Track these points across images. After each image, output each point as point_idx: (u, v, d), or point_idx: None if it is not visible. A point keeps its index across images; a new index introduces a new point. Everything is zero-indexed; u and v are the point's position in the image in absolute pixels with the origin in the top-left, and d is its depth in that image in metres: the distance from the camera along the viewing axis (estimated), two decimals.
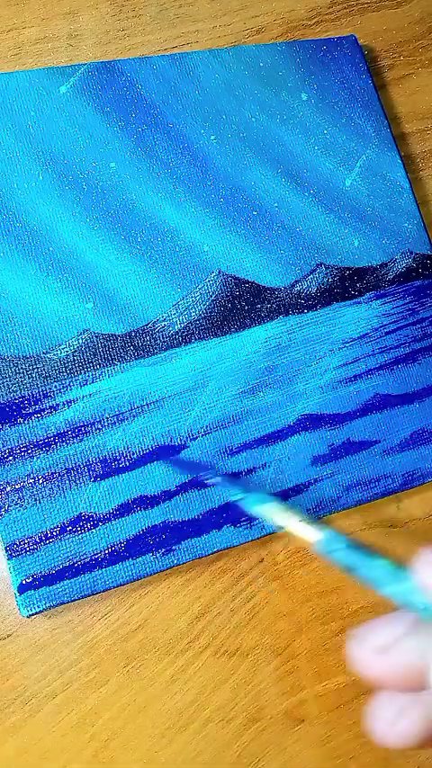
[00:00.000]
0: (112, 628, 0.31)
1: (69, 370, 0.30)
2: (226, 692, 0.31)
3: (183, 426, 0.31)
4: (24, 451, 0.29)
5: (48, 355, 0.30)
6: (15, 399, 0.30)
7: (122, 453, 0.30)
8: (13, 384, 0.30)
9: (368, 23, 0.40)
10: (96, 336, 0.31)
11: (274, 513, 0.21)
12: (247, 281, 0.33)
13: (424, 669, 0.15)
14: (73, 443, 0.30)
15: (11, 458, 0.29)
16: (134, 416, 0.31)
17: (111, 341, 0.31)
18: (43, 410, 0.30)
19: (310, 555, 0.33)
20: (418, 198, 0.38)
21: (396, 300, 0.35)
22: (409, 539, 0.34)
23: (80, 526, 0.29)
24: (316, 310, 0.34)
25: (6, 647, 0.30)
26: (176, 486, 0.30)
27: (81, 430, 0.30)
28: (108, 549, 0.29)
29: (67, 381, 0.30)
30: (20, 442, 0.29)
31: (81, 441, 0.30)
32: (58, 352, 0.31)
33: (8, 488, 0.29)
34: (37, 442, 0.29)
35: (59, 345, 0.31)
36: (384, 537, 0.34)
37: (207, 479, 0.28)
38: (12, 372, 0.30)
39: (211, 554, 0.30)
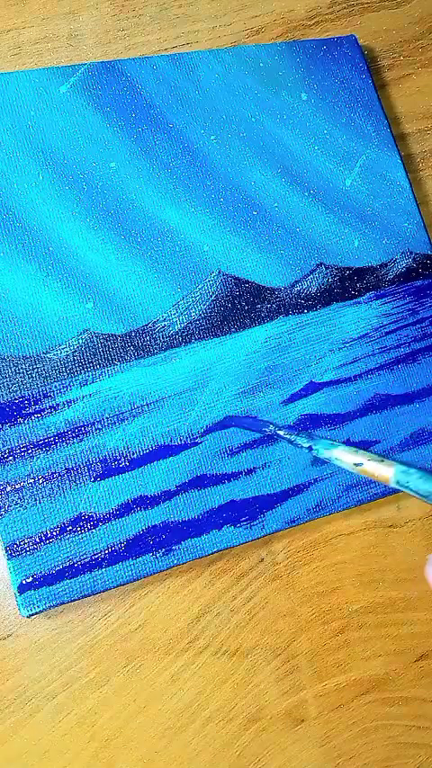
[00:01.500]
0: (112, 628, 0.31)
1: (69, 370, 0.30)
2: (226, 692, 0.31)
3: (183, 426, 0.31)
4: (24, 451, 0.29)
5: (48, 355, 0.30)
6: (15, 399, 0.30)
7: (122, 453, 0.30)
8: (13, 384, 0.30)
9: (368, 23, 0.40)
10: (96, 336, 0.31)
11: (344, 455, 0.21)
12: (247, 281, 0.33)
13: None
14: (73, 443, 0.30)
15: (11, 458, 0.29)
16: (134, 416, 0.31)
17: (111, 341, 0.31)
18: (43, 410, 0.30)
19: (310, 555, 0.33)
20: (418, 198, 0.38)
21: (396, 300, 0.35)
22: (409, 539, 0.34)
23: (80, 526, 0.29)
24: (316, 310, 0.34)
25: (6, 647, 0.30)
26: (176, 486, 0.30)
27: (81, 430, 0.30)
28: (108, 549, 0.29)
29: (67, 381, 0.30)
30: (20, 442, 0.29)
31: (81, 441, 0.30)
32: (58, 352, 0.31)
33: (8, 488, 0.29)
34: (37, 442, 0.29)
35: (59, 345, 0.31)
36: (384, 537, 0.34)
37: (271, 432, 0.28)
38: (12, 372, 0.30)
39: (211, 554, 0.30)
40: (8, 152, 0.32)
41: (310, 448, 0.24)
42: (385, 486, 0.33)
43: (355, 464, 0.21)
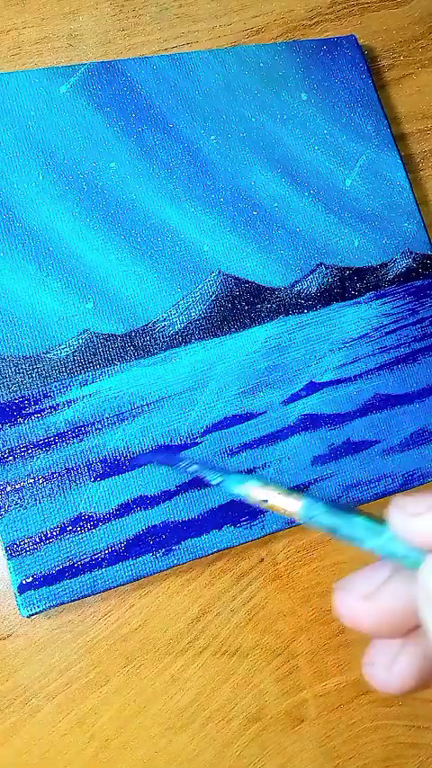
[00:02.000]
0: (112, 628, 0.31)
1: (69, 370, 0.30)
2: (226, 692, 0.31)
3: (183, 426, 0.31)
4: (24, 451, 0.29)
5: (48, 355, 0.30)
6: (15, 399, 0.30)
7: (122, 453, 0.30)
8: (13, 384, 0.30)
9: (368, 23, 0.40)
10: (96, 336, 0.31)
11: (253, 491, 0.21)
12: (247, 281, 0.33)
13: (412, 612, 0.16)
14: (73, 443, 0.30)
15: (11, 458, 0.29)
16: (134, 416, 0.31)
17: (111, 341, 0.31)
18: (43, 410, 0.30)
19: (310, 555, 0.33)
20: (418, 198, 0.38)
21: (396, 300, 0.35)
22: None
23: (80, 526, 0.29)
24: (316, 310, 0.34)
25: (6, 647, 0.30)
26: (176, 486, 0.30)
27: (81, 430, 0.30)
28: (108, 549, 0.29)
29: (67, 381, 0.30)
30: (20, 442, 0.29)
31: (81, 441, 0.30)
32: (58, 352, 0.31)
33: (8, 488, 0.29)
34: (37, 442, 0.29)
35: (59, 345, 0.31)
36: None
37: (185, 468, 0.28)
38: (12, 372, 0.30)
39: (211, 554, 0.30)
40: (8, 152, 0.31)
41: (219, 484, 0.24)
42: (385, 486, 0.33)
43: (262, 501, 0.21)
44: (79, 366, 0.31)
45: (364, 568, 0.17)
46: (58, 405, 0.30)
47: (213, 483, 0.24)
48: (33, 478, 0.29)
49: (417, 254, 0.36)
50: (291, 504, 0.20)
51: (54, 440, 0.30)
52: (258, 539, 0.31)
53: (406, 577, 0.16)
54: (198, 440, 0.31)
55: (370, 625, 0.16)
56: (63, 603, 0.28)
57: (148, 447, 0.31)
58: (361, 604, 0.17)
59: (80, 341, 0.31)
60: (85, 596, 0.29)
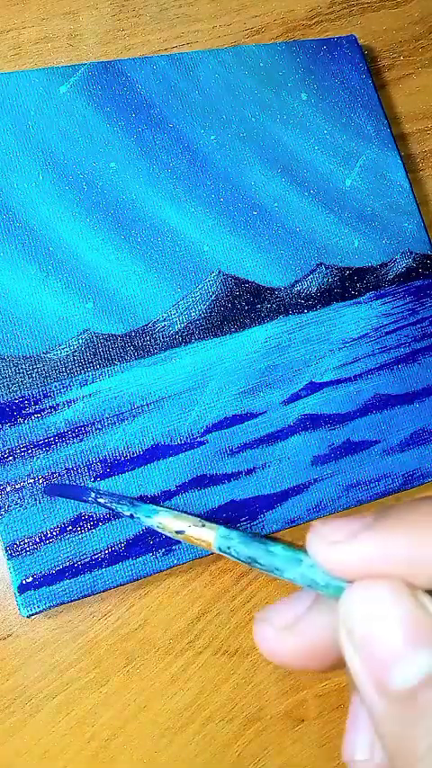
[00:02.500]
0: (112, 628, 0.31)
1: (69, 370, 0.30)
2: (226, 692, 0.31)
3: (183, 426, 0.31)
4: (24, 451, 0.29)
5: (48, 355, 0.30)
6: (15, 399, 0.30)
7: (122, 453, 0.30)
8: (13, 384, 0.30)
9: (368, 23, 0.40)
10: (96, 336, 0.31)
11: (166, 521, 0.21)
12: (247, 281, 0.33)
13: (334, 643, 0.15)
14: (73, 443, 0.30)
15: (11, 458, 0.29)
16: (134, 416, 0.31)
17: (111, 341, 0.31)
18: (43, 410, 0.30)
19: None
20: (418, 198, 0.38)
21: (396, 300, 0.35)
22: None
23: (80, 526, 0.29)
24: (316, 310, 0.34)
25: (6, 647, 0.30)
26: (176, 487, 0.30)
27: (81, 430, 0.30)
28: (108, 549, 0.29)
29: (67, 381, 0.30)
30: (20, 442, 0.29)
31: (81, 441, 0.30)
32: (59, 352, 0.31)
33: (8, 488, 0.29)
34: (37, 442, 0.29)
35: (59, 345, 0.31)
36: None
37: (94, 499, 0.27)
38: (12, 372, 0.30)
39: (211, 554, 0.30)
40: (8, 152, 0.31)
41: (131, 515, 0.23)
42: (385, 486, 0.33)
43: (177, 531, 0.21)
44: (79, 366, 0.31)
45: (285, 598, 0.16)
46: (58, 405, 0.30)
47: (125, 514, 0.23)
48: (33, 478, 0.29)
49: (417, 254, 0.36)
50: (205, 535, 0.19)
51: (54, 440, 0.30)
52: None
53: (327, 607, 0.15)
54: (198, 440, 0.31)
55: (290, 658, 0.16)
56: (63, 603, 0.28)
57: (148, 447, 0.31)
58: (280, 636, 0.16)
59: (80, 341, 0.31)
60: (85, 596, 0.29)
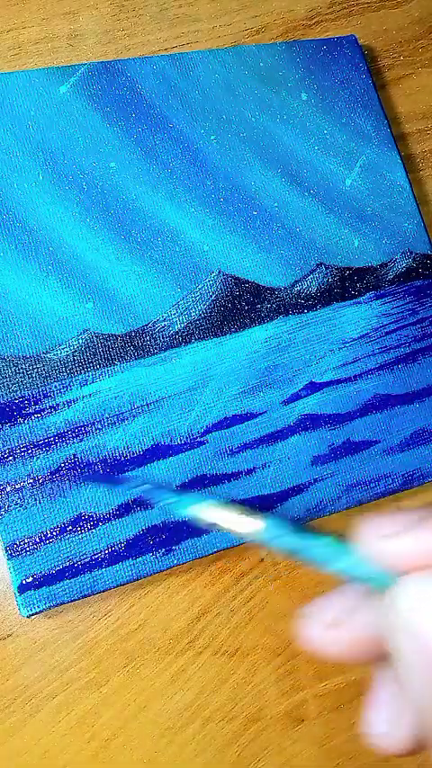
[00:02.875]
0: (112, 628, 0.31)
1: (69, 370, 0.30)
2: (226, 692, 0.31)
3: (183, 426, 0.31)
4: (24, 451, 0.29)
5: (48, 355, 0.30)
6: (15, 399, 0.30)
7: (122, 453, 0.30)
8: (13, 384, 0.30)
9: (368, 23, 0.40)
10: (96, 336, 0.31)
11: (209, 512, 0.21)
12: (247, 281, 0.33)
13: (379, 639, 0.15)
14: (73, 443, 0.30)
15: (11, 458, 0.29)
16: (134, 416, 0.31)
17: (111, 341, 0.31)
18: (43, 410, 0.30)
19: None
20: (418, 198, 0.38)
21: (396, 300, 0.35)
22: None
23: (80, 526, 0.29)
24: (316, 310, 0.34)
25: (6, 647, 0.30)
26: (176, 487, 0.30)
27: (81, 430, 0.30)
28: (108, 549, 0.29)
29: (67, 381, 0.30)
30: (20, 442, 0.29)
31: (81, 441, 0.30)
32: (58, 352, 0.31)
33: (8, 488, 0.29)
34: (37, 442, 0.29)
35: (59, 345, 0.31)
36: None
37: (133, 488, 0.27)
38: (12, 372, 0.30)
39: (211, 554, 0.30)
40: (8, 152, 0.31)
41: (171, 504, 0.23)
42: (385, 486, 0.33)
43: (219, 522, 0.21)
44: (79, 366, 0.31)
45: (330, 594, 0.17)
46: (58, 405, 0.30)
47: (167, 504, 0.23)
48: (33, 478, 0.29)
49: (417, 254, 0.36)
50: (250, 525, 0.19)
51: (54, 440, 0.30)
52: None
53: (374, 602, 0.16)
54: (198, 440, 0.31)
55: (338, 655, 0.16)
56: (63, 603, 0.28)
57: (148, 447, 0.31)
58: (327, 633, 0.16)
59: (80, 341, 0.31)
60: (85, 596, 0.29)
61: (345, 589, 0.17)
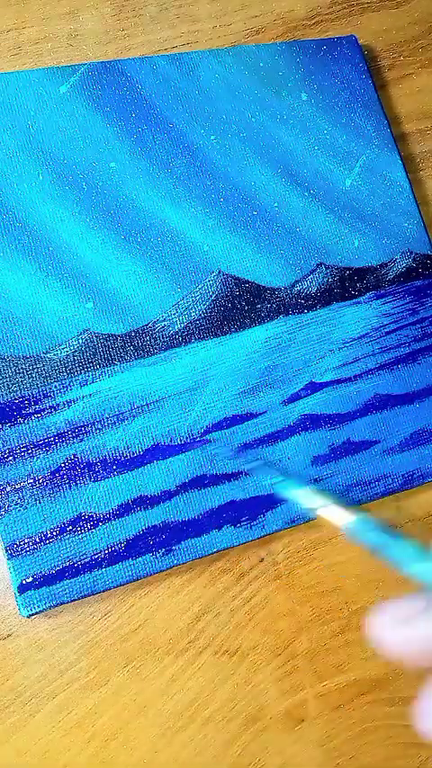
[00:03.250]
0: (111, 628, 0.31)
1: (69, 370, 0.30)
2: (226, 692, 0.31)
3: (183, 426, 0.31)
4: (24, 451, 0.29)
5: (48, 355, 0.30)
6: (15, 399, 0.30)
7: (122, 453, 0.30)
8: (13, 384, 0.30)
9: (368, 23, 0.40)
10: (96, 336, 0.31)
11: (308, 498, 0.22)
12: (247, 281, 0.33)
13: None
14: (73, 443, 0.30)
15: (11, 458, 0.29)
16: (134, 416, 0.31)
17: (111, 341, 0.31)
18: (43, 410, 0.30)
19: (310, 555, 0.33)
20: (418, 198, 0.38)
21: (396, 300, 0.35)
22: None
23: (80, 526, 0.29)
24: (316, 310, 0.34)
25: (6, 647, 0.30)
26: (176, 487, 0.30)
27: (81, 430, 0.30)
28: (108, 549, 0.29)
29: (67, 381, 0.30)
30: (20, 442, 0.29)
31: (81, 441, 0.30)
32: (58, 352, 0.31)
33: (8, 488, 0.29)
34: (37, 442, 0.29)
35: (59, 345, 0.31)
36: None
37: (245, 463, 0.29)
38: (12, 372, 0.30)
39: (211, 554, 0.30)
40: (8, 152, 0.31)
41: (274, 485, 0.24)
42: (385, 486, 0.33)
43: (313, 508, 0.22)
44: (79, 366, 0.31)
45: (404, 596, 0.17)
46: (58, 405, 0.30)
47: (271, 483, 0.25)
48: (33, 478, 0.29)
49: (417, 254, 0.36)
50: (341, 516, 0.20)
51: (54, 440, 0.30)
52: (258, 539, 0.31)
53: None
54: (198, 439, 0.31)
55: (401, 653, 0.16)
56: (63, 603, 0.28)
57: (148, 447, 0.31)
58: (395, 631, 0.16)
59: (80, 341, 0.31)
60: (85, 596, 0.29)
61: (419, 593, 0.17)
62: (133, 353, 0.31)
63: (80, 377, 0.31)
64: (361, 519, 0.19)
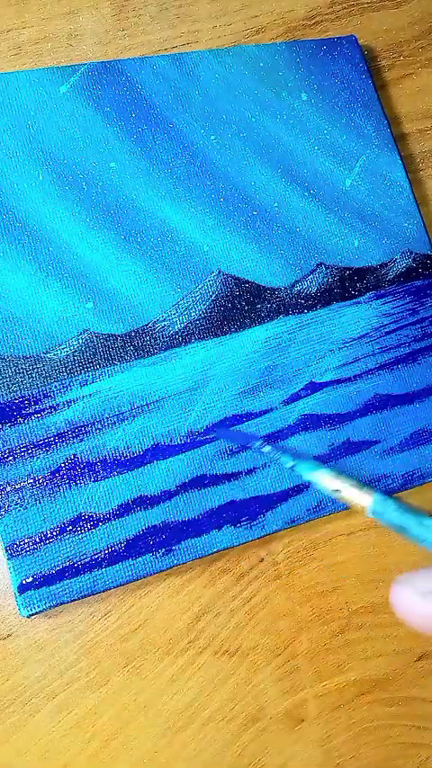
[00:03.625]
0: (111, 628, 0.31)
1: (69, 370, 0.30)
2: (226, 692, 0.31)
3: (183, 426, 0.31)
4: (24, 451, 0.29)
5: (48, 355, 0.30)
6: (15, 399, 0.30)
7: (122, 453, 0.30)
8: (13, 384, 0.30)
9: (368, 23, 0.40)
10: (96, 336, 0.31)
11: (326, 479, 0.22)
12: (247, 281, 0.33)
13: None
14: (73, 443, 0.30)
15: (11, 458, 0.29)
16: (134, 416, 0.31)
17: (111, 341, 0.31)
18: (43, 410, 0.30)
19: (310, 555, 0.33)
20: (418, 198, 0.38)
21: (396, 300, 0.35)
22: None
23: (80, 526, 0.29)
24: (316, 310, 0.34)
25: (6, 647, 0.30)
26: (176, 486, 0.30)
27: (81, 430, 0.30)
28: (108, 549, 0.29)
29: (67, 381, 0.30)
30: (20, 442, 0.29)
31: (81, 441, 0.30)
32: (58, 352, 0.31)
33: (8, 488, 0.29)
34: (37, 442, 0.29)
35: (59, 345, 0.31)
36: (384, 537, 0.34)
37: (258, 448, 0.29)
38: (12, 372, 0.30)
39: (211, 554, 0.30)
40: (8, 152, 0.32)
41: (292, 468, 0.24)
42: (385, 486, 0.33)
43: (334, 490, 0.22)
44: (79, 366, 0.31)
45: (429, 567, 0.17)
46: (58, 405, 0.30)
47: (286, 466, 0.24)
48: (33, 478, 0.29)
49: (417, 254, 0.36)
50: (362, 498, 0.20)
51: (54, 440, 0.30)
52: (258, 539, 0.31)
53: None
54: (198, 440, 0.31)
55: (422, 622, 0.17)
56: (63, 603, 0.28)
57: (148, 447, 0.31)
58: (418, 600, 0.17)
59: (80, 341, 0.31)
60: (85, 596, 0.29)
61: None
62: (133, 353, 0.31)
63: (80, 377, 0.31)
64: (381, 499, 0.19)
